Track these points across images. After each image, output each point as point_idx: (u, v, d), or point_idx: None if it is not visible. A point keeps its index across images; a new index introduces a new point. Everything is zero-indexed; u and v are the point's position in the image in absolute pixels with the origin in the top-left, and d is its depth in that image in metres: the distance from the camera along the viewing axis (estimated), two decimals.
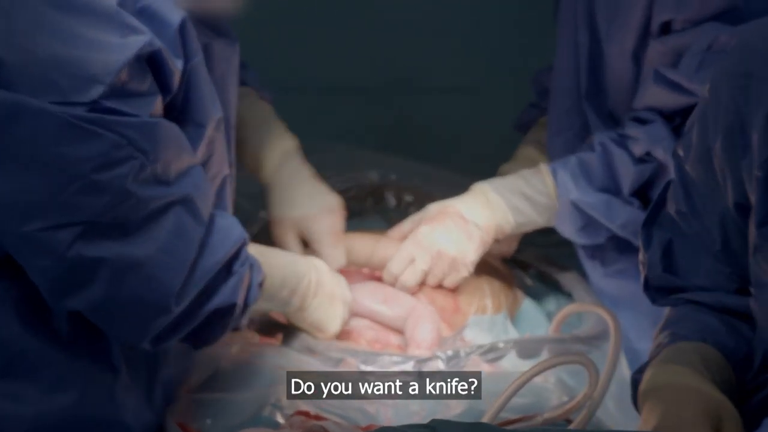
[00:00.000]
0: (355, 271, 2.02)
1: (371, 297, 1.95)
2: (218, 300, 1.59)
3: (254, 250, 1.69)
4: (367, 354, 1.81)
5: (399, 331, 1.91)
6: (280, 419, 1.68)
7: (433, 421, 1.15)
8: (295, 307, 1.82)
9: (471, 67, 2.85)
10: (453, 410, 1.71)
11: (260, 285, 1.69)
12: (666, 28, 1.92)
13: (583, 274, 2.11)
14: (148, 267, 1.48)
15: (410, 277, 1.96)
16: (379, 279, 2.00)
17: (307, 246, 2.00)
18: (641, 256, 1.60)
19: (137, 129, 1.42)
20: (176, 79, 1.49)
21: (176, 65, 1.49)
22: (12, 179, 1.40)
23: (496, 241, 2.07)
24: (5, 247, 1.45)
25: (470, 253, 1.98)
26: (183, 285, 1.51)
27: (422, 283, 1.97)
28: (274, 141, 2.00)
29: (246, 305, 1.66)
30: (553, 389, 1.74)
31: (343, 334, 1.90)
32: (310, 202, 1.98)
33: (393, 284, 1.96)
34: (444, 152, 2.26)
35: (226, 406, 1.72)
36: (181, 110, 1.54)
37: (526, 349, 1.82)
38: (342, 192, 2.10)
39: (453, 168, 2.22)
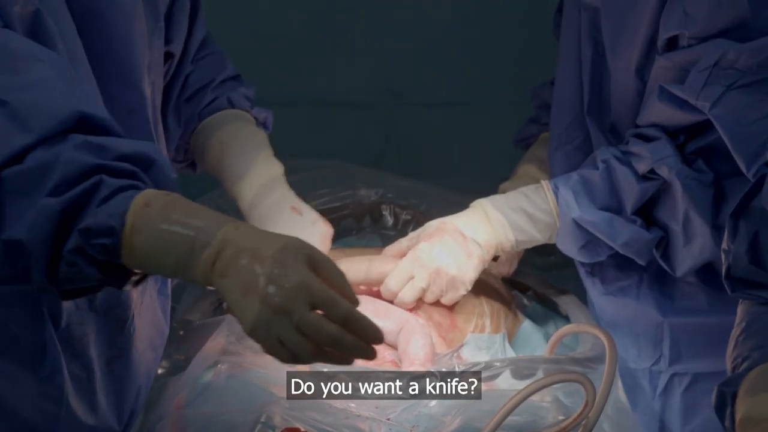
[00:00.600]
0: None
1: (362, 310, 1.89)
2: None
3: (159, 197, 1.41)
4: (360, 371, 1.75)
5: (392, 345, 1.88)
6: None
7: None
8: (203, 282, 1.39)
9: (465, 82, 2.85)
10: (447, 428, 1.69)
11: (110, 233, 1.33)
12: (672, 44, 1.89)
13: (582, 296, 2.09)
14: None
15: (408, 294, 1.92)
16: (377, 295, 1.97)
17: None
18: (725, 244, 1.56)
19: None
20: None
21: None
22: None
23: (495, 260, 2.04)
24: None
25: (469, 271, 1.95)
26: None
27: (420, 300, 1.94)
28: (254, 170, 1.94)
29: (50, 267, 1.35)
30: (549, 408, 1.71)
31: None
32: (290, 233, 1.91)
33: (391, 300, 1.93)
34: (438, 167, 2.24)
35: (217, 423, 1.69)
36: None
37: (521, 369, 1.79)
38: (338, 209, 2.08)
39: (447, 183, 2.21)
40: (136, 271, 1.38)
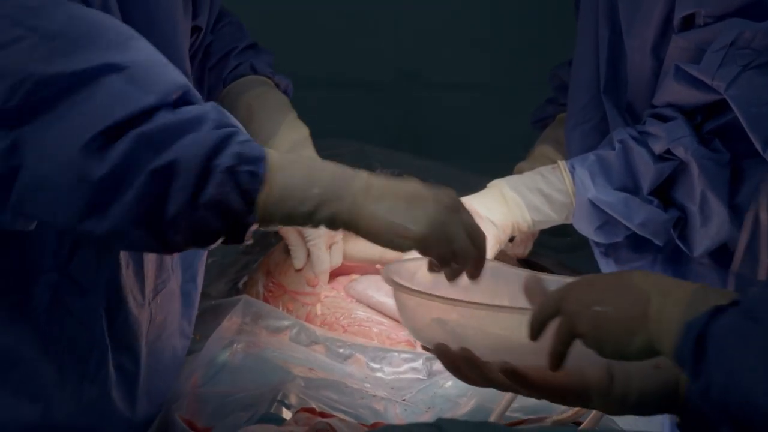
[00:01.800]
0: (365, 266, 2.03)
1: (379, 289, 1.95)
2: (156, 161, 1.35)
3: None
4: (377, 350, 1.82)
5: None
6: (286, 415, 1.69)
7: (440, 420, 1.17)
8: (337, 223, 1.42)
9: (483, 63, 2.85)
10: (462, 409, 1.72)
11: (252, 177, 1.38)
12: (688, 23, 1.88)
13: None
14: (59, 140, 1.34)
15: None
16: None
17: None
18: None
19: (24, 8, 1.35)
20: None
21: None
22: None
23: (511, 240, 2.04)
24: None
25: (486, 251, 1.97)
26: (94, 141, 1.33)
27: None
28: (283, 132, 1.97)
29: (205, 190, 1.36)
30: None
31: (354, 328, 1.91)
32: None
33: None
34: (455, 148, 2.25)
35: (233, 402, 1.72)
36: None
37: None
38: None
39: (464, 163, 2.22)
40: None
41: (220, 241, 1.39)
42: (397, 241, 1.42)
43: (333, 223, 1.40)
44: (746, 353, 1.18)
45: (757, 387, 1.15)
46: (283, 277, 2.01)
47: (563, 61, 2.26)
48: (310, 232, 1.94)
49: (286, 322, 1.92)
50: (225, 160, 1.34)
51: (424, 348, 1.53)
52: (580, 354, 1.34)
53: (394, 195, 1.41)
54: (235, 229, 1.37)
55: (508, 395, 1.61)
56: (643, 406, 1.46)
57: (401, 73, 2.18)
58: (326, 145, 2.17)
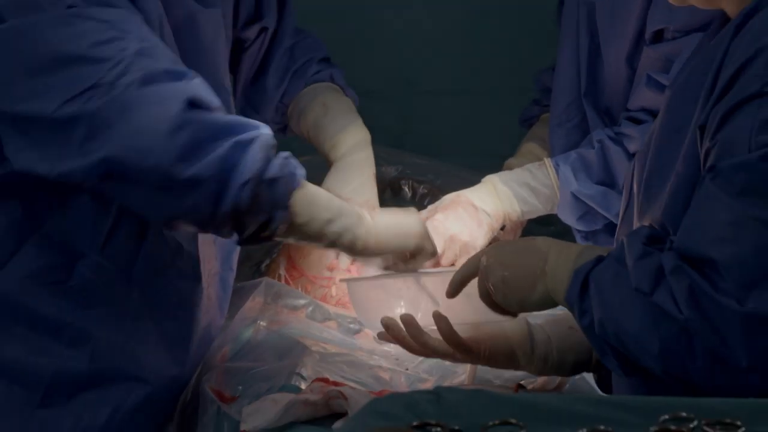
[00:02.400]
0: None
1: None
2: (241, 136, 1.59)
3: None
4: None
5: None
6: (303, 386, 1.77)
7: (438, 387, 1.20)
8: (352, 233, 1.71)
9: (473, 71, 2.94)
10: (459, 378, 1.81)
11: (294, 178, 1.64)
12: (658, 37, 2.03)
13: None
14: (156, 100, 1.56)
15: None
16: None
17: None
18: None
19: (117, 16, 1.59)
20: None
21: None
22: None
23: (502, 229, 2.18)
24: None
25: (480, 238, 2.09)
26: (192, 103, 1.57)
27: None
28: (352, 130, 2.13)
29: (270, 166, 1.61)
30: None
31: None
32: (360, 190, 2.10)
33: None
34: (451, 147, 2.34)
35: (256, 374, 1.81)
36: None
37: None
38: None
39: (459, 161, 2.29)
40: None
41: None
42: (406, 242, 1.72)
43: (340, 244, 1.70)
44: (617, 291, 1.37)
45: (626, 317, 1.35)
46: (302, 261, 2.11)
47: (546, 67, 2.37)
48: None
49: (302, 301, 2.02)
50: (273, 170, 1.61)
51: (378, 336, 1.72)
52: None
53: (388, 213, 1.77)
54: (272, 222, 1.62)
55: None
56: (564, 365, 1.65)
57: (400, 82, 2.27)
58: None
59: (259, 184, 1.58)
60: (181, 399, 1.87)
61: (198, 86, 1.59)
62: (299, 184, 1.63)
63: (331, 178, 2.10)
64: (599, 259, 1.45)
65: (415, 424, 1.10)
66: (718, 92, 1.37)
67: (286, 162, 1.62)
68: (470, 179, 2.18)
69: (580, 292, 1.43)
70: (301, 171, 1.64)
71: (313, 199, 1.66)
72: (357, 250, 1.71)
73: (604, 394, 1.65)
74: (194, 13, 1.80)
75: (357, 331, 1.93)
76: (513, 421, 1.09)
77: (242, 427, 1.68)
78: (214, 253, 1.89)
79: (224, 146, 1.56)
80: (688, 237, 1.36)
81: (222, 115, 1.59)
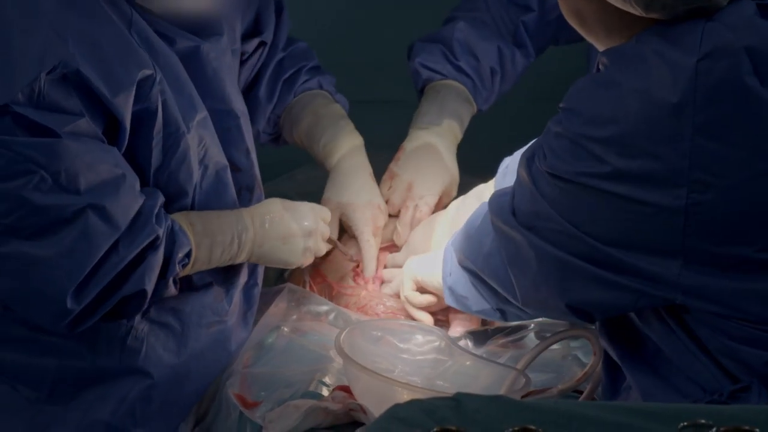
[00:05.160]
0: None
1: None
2: (126, 289, 1.71)
3: (187, 218, 1.82)
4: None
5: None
6: (324, 393, 1.80)
7: (458, 393, 1.21)
8: (243, 256, 1.89)
9: None
10: (479, 384, 1.83)
11: (187, 256, 1.79)
12: None
13: None
14: (47, 268, 1.66)
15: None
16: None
17: (345, 232, 2.16)
18: None
19: (36, 148, 1.61)
20: (117, 104, 1.67)
21: (114, 91, 1.66)
22: None
23: None
24: None
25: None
26: (82, 284, 1.67)
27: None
28: (345, 136, 2.16)
29: (164, 282, 1.76)
30: (570, 366, 1.88)
31: (386, 316, 2.06)
32: (360, 193, 2.13)
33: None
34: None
35: (279, 380, 1.83)
36: (151, 121, 1.73)
37: (543, 330, 1.96)
38: None
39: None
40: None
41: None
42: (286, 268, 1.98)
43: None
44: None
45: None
46: (327, 267, 2.14)
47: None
48: (354, 219, 2.13)
49: (324, 308, 2.03)
50: (172, 270, 1.76)
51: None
52: None
53: (272, 238, 1.90)
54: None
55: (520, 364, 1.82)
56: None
57: (413, 92, 2.29)
58: None
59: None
60: (201, 403, 1.90)
61: (106, 218, 1.68)
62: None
63: (330, 185, 2.14)
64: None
65: (435, 430, 1.12)
66: None
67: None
68: (469, 183, 2.19)
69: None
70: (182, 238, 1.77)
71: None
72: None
73: (623, 401, 1.67)
74: (197, 45, 1.83)
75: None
76: (532, 427, 1.11)
77: None
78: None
79: (108, 306, 1.71)
80: None
81: (111, 269, 1.69)
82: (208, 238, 1.81)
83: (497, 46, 2.30)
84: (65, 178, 1.63)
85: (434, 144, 2.21)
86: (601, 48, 1.62)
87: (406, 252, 2.13)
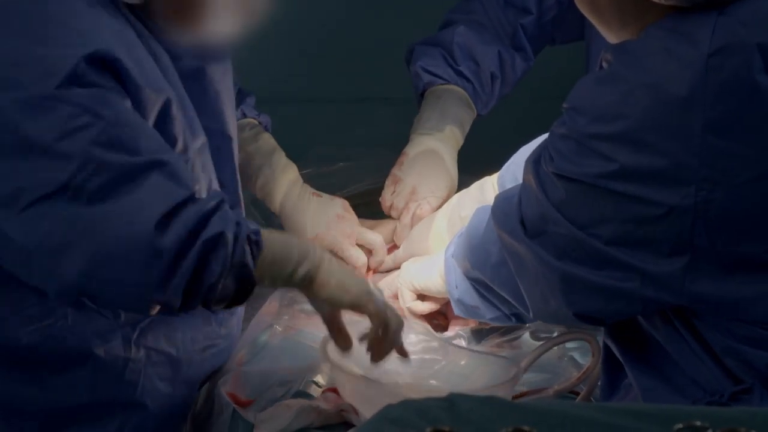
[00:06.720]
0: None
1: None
2: (207, 232, 1.57)
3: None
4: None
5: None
6: (316, 392, 1.80)
7: (452, 394, 1.21)
8: (307, 279, 1.69)
9: None
10: (473, 385, 1.81)
11: (257, 244, 1.63)
12: None
13: None
14: (125, 217, 1.54)
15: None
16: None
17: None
18: None
19: (93, 97, 1.54)
20: (147, 98, 1.62)
21: (145, 84, 1.61)
22: None
23: None
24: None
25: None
26: (163, 223, 1.54)
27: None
28: (278, 174, 2.15)
29: (236, 253, 1.60)
30: (566, 366, 1.88)
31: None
32: (318, 220, 2.12)
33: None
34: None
35: (272, 379, 1.83)
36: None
37: (539, 330, 1.96)
38: (380, 190, 2.24)
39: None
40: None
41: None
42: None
43: (305, 281, 1.67)
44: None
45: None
46: None
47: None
48: (330, 243, 2.11)
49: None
50: (244, 231, 1.59)
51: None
52: None
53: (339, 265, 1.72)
54: (244, 290, 1.62)
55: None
56: None
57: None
58: (355, 154, 2.35)
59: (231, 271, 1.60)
60: (194, 402, 1.90)
61: (171, 175, 1.58)
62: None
63: (289, 231, 2.14)
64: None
65: (428, 430, 1.10)
66: None
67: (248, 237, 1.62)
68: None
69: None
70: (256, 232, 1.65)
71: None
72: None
73: (618, 403, 1.67)
74: (203, 67, 1.80)
75: None
76: (526, 428, 1.10)
77: (256, 431, 1.71)
78: None
79: (193, 256, 1.56)
80: None
81: (192, 214, 1.57)
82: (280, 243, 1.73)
83: (497, 51, 2.31)
84: (127, 133, 1.57)
85: (437, 149, 2.21)
86: (612, 40, 1.60)
87: (405, 247, 2.14)
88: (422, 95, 2.31)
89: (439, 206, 2.16)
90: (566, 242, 1.56)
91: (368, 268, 2.16)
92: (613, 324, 1.65)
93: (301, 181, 2.17)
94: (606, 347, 1.69)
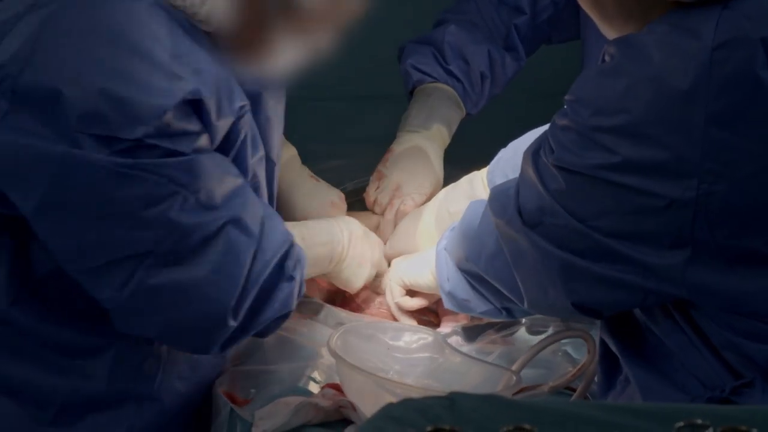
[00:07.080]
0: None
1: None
2: (275, 308, 1.72)
3: (295, 231, 1.81)
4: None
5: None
6: (315, 390, 1.81)
7: (452, 393, 1.21)
8: (329, 270, 1.97)
9: None
10: (470, 382, 1.83)
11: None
12: None
13: None
14: (204, 287, 1.64)
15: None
16: None
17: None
18: None
19: (176, 167, 1.58)
20: (218, 126, 1.63)
21: (219, 116, 1.63)
22: (74, 224, 1.58)
23: None
24: (77, 282, 1.64)
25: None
26: (238, 298, 1.66)
27: None
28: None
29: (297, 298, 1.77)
30: (561, 362, 1.89)
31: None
32: (310, 201, 2.12)
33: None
34: (456, 148, 2.36)
35: (269, 377, 1.84)
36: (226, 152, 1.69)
37: (535, 325, 1.97)
38: None
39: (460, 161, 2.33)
40: None
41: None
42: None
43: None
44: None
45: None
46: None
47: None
48: None
49: (315, 306, 2.02)
50: (302, 274, 1.77)
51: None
52: None
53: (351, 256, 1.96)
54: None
55: (515, 366, 1.80)
56: None
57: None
58: (359, 149, 2.37)
59: None
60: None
61: (244, 229, 1.67)
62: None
63: (281, 208, 2.12)
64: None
65: (428, 429, 1.10)
66: None
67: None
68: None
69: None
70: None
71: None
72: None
73: (618, 401, 1.67)
74: (260, 93, 1.80)
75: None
76: (527, 426, 1.10)
77: (254, 430, 1.71)
78: None
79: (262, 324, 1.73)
80: None
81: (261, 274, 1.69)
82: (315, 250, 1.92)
83: (487, 50, 2.31)
84: (204, 194, 1.61)
85: (423, 147, 2.22)
86: (612, 36, 1.61)
87: (391, 244, 2.13)
88: (412, 93, 2.32)
89: (423, 203, 2.16)
90: (565, 234, 1.56)
91: None
92: (609, 319, 1.65)
93: (299, 161, 2.17)
94: (602, 343, 1.70)
